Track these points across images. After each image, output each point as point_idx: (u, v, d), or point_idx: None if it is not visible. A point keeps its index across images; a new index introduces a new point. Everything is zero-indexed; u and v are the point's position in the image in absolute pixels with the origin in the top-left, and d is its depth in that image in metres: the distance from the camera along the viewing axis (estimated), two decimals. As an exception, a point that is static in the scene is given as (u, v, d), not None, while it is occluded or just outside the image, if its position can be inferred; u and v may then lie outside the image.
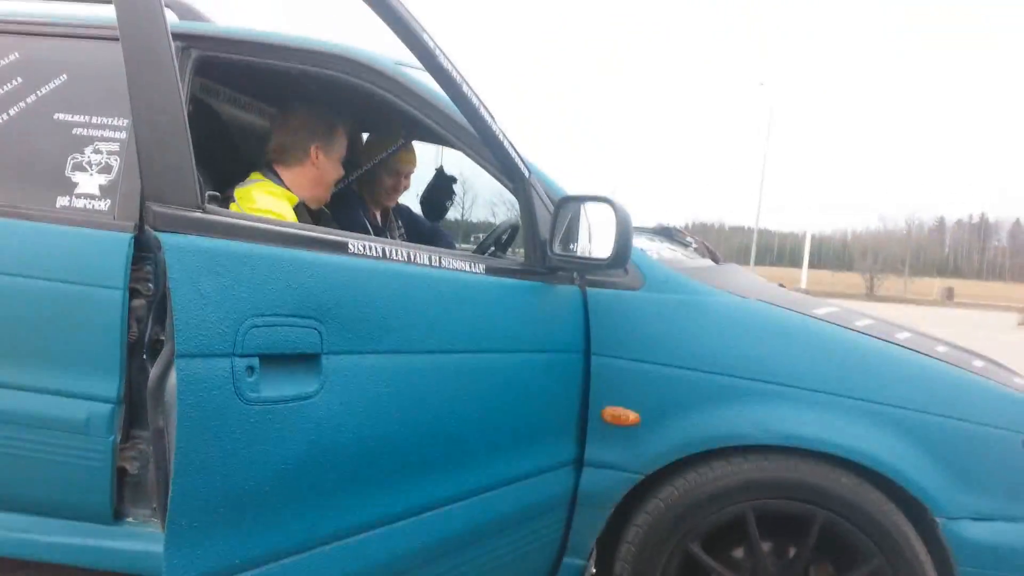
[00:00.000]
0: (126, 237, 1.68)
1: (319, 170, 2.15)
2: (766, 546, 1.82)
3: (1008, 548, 1.70)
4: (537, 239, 1.77)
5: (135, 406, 1.98)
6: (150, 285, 1.87)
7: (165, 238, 1.13)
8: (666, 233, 2.46)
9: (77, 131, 1.78)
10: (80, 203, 1.76)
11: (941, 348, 2.12)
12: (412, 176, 2.90)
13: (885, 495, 1.73)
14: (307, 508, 1.31)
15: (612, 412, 1.86)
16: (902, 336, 2.07)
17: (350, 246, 1.41)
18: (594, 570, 1.84)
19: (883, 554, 1.71)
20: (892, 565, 1.71)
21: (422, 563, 1.55)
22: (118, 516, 2.09)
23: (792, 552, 1.83)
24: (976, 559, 1.70)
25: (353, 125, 2.21)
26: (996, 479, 1.74)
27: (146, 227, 1.58)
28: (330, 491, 1.34)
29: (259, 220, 1.33)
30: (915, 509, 1.73)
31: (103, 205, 1.76)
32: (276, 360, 1.25)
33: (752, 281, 2.38)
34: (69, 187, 1.78)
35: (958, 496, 1.72)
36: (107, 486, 1.97)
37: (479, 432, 1.65)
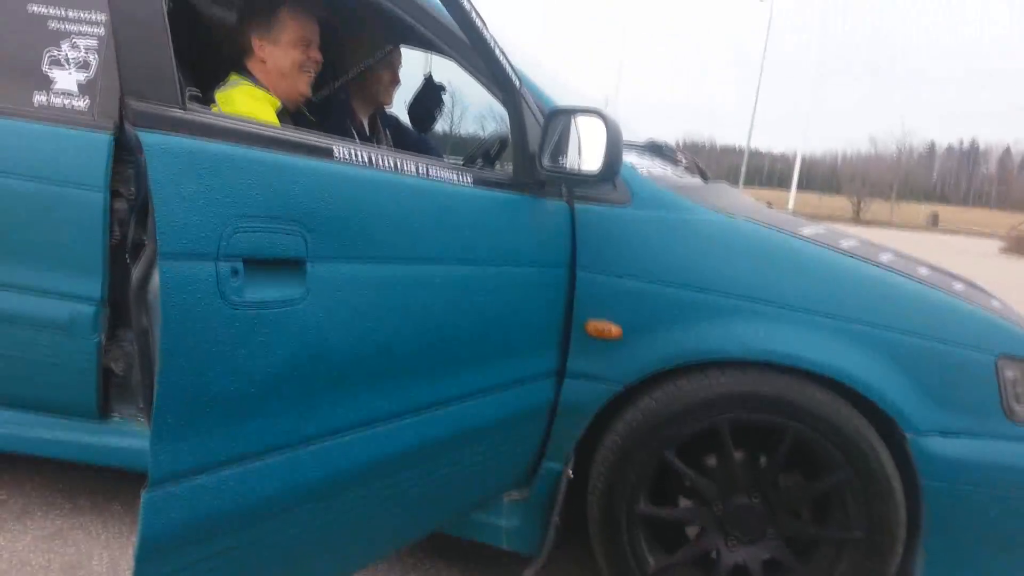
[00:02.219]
0: (106, 137, 1.65)
1: (272, 62, 2.07)
2: (738, 455, 1.88)
3: (971, 463, 1.76)
4: (526, 152, 1.75)
5: (119, 307, 1.99)
6: (132, 187, 1.85)
7: (145, 136, 1.11)
8: (656, 149, 2.43)
9: (53, 25, 1.72)
10: (58, 101, 1.72)
11: (923, 270, 2.15)
12: (399, 88, 2.83)
13: (857, 411, 1.78)
14: (293, 409, 1.33)
15: (595, 326, 1.89)
16: (885, 257, 2.09)
17: (336, 152, 1.39)
18: (571, 473, 1.91)
19: (851, 466, 1.78)
20: (859, 476, 1.78)
21: (405, 464, 1.59)
22: (105, 414, 2.13)
23: (763, 462, 1.90)
24: (941, 473, 1.76)
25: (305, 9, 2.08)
26: (966, 398, 1.79)
27: (126, 126, 1.55)
28: (315, 394, 1.37)
29: (243, 121, 1.31)
30: (886, 424, 1.78)
31: (82, 104, 1.72)
32: (261, 264, 1.25)
33: (739, 199, 2.38)
34: (46, 83, 1.73)
35: (928, 413, 1.77)
36: (93, 385, 2.00)
37: (463, 342, 1.67)
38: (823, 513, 1.90)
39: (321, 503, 1.43)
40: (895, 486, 1.77)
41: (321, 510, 1.44)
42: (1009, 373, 1.79)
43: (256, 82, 2.07)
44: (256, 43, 2.05)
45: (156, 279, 1.20)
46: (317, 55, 2.14)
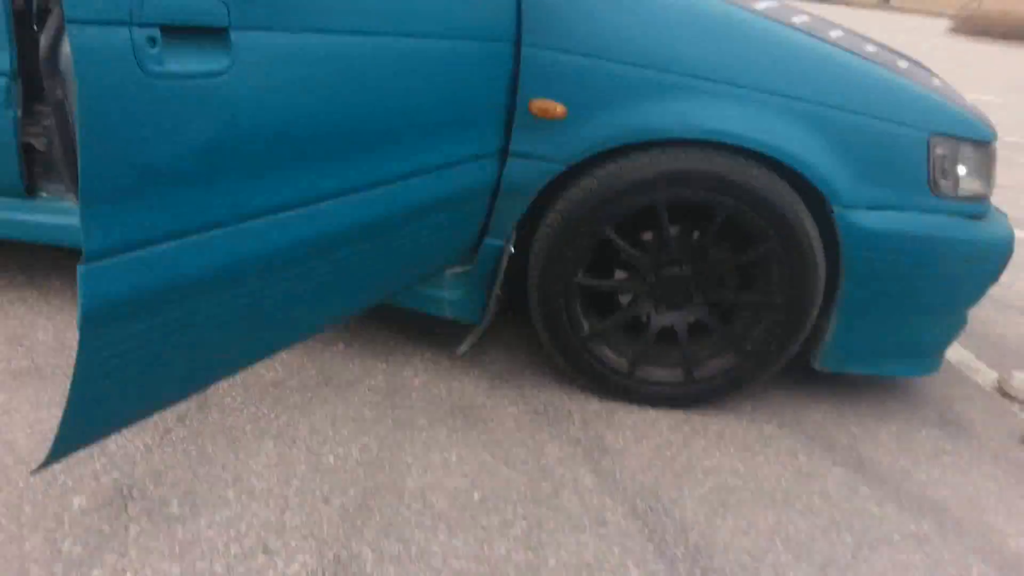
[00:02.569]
0: None
1: None
2: (673, 231, 1.96)
3: (893, 233, 1.86)
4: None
5: (33, 80, 1.87)
6: None
7: None
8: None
9: None
10: None
11: (870, 47, 2.12)
12: None
13: (790, 186, 1.85)
14: (228, 185, 1.32)
15: (540, 105, 1.85)
16: (834, 34, 2.06)
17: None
18: (513, 249, 1.97)
19: (779, 238, 1.87)
20: (785, 246, 1.88)
21: (348, 241, 1.62)
22: (31, 192, 2.08)
23: (696, 236, 1.99)
24: (863, 243, 1.86)
25: None
26: (895, 173, 1.85)
27: None
28: (250, 171, 1.35)
29: None
30: (816, 199, 1.86)
31: None
32: (181, 32, 1.18)
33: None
34: None
35: (857, 187, 1.84)
36: (15, 161, 1.93)
37: (403, 118, 1.64)
38: (747, 281, 2.02)
39: (264, 278, 1.46)
40: (818, 255, 1.88)
41: (265, 284, 1.48)
42: (939, 150, 1.85)
43: None
44: None
45: (67, 48, 1.13)
46: None
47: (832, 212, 1.83)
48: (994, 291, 2.25)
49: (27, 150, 2.00)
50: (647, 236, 2.02)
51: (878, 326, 1.96)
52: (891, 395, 2.21)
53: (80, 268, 1.11)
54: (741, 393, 2.06)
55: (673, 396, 2.03)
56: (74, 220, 2.07)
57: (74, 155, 1.23)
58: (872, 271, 1.87)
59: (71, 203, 2.12)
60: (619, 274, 2.10)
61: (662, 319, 2.02)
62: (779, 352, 1.95)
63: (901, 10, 32.09)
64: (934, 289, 1.92)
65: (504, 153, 1.90)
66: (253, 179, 1.35)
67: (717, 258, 1.98)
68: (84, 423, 1.24)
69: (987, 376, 2.40)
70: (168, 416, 1.81)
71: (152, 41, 1.09)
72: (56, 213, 2.12)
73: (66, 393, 1.85)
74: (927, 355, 2.06)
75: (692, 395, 2.02)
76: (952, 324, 2.02)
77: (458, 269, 2.05)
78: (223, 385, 1.96)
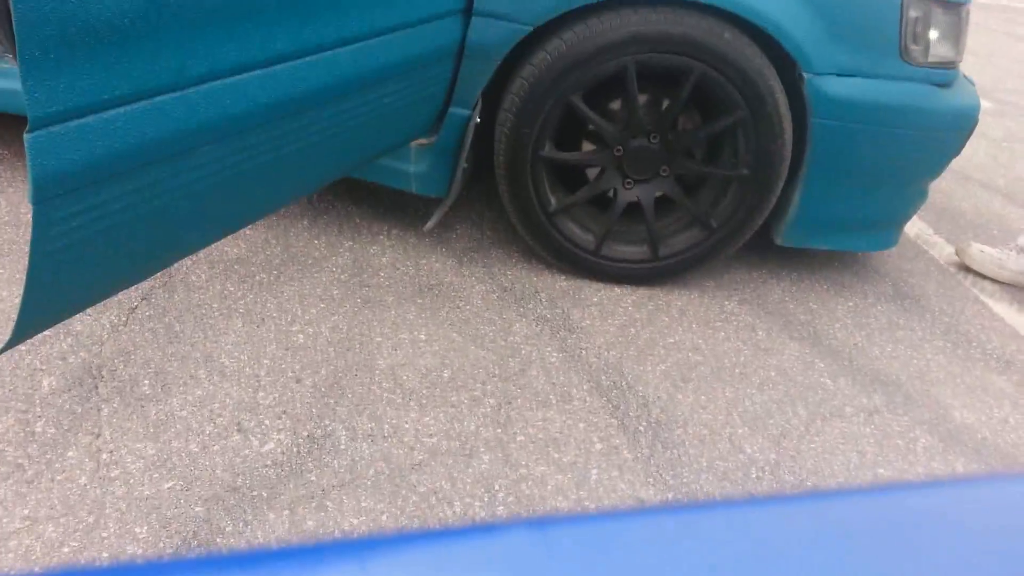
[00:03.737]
0: None
1: None
2: (642, 99, 1.91)
3: (861, 102, 1.84)
4: None
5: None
6: None
7: None
8: None
9: None
10: None
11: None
12: None
13: (761, 51, 1.80)
14: (176, 44, 1.23)
15: (505, -43, 1.75)
16: None
17: None
18: (479, 119, 1.91)
19: (747, 106, 1.83)
20: (754, 116, 1.85)
21: (306, 108, 1.55)
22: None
23: (665, 104, 1.94)
24: (831, 111, 1.84)
25: None
26: (867, 37, 1.80)
27: None
28: (199, 28, 1.26)
29: None
30: (786, 65, 1.81)
31: None
32: None
33: None
34: None
35: (828, 53, 1.80)
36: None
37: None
38: (714, 153, 2.01)
39: (223, 145, 1.40)
40: (786, 126, 1.86)
41: (224, 152, 1.42)
42: (913, 12, 1.80)
43: None
44: None
45: None
46: None
47: (802, 79, 1.79)
48: (954, 163, 2.26)
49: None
50: (615, 106, 1.97)
51: (841, 199, 1.97)
52: (849, 270, 2.27)
53: (27, 136, 1.05)
54: (704, 269, 2.09)
55: (639, 273, 2.06)
56: (17, 84, 1.94)
57: (7, 10, 1.13)
58: (838, 142, 1.86)
59: (12, 64, 1.99)
60: (587, 147, 2.07)
61: (629, 194, 2.01)
62: (744, 226, 1.97)
63: None
64: (898, 161, 1.92)
65: (468, 12, 1.81)
66: (200, 37, 1.26)
67: (685, 129, 1.95)
68: (45, 302, 1.22)
69: (943, 250, 2.46)
70: (132, 294, 1.79)
71: None
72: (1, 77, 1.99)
73: (25, 270, 1.82)
74: (887, 229, 2.09)
75: (658, 271, 2.05)
76: (913, 197, 2.05)
77: (423, 141, 1.99)
78: (186, 262, 1.93)
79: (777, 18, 1.74)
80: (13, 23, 1.00)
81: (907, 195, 2.04)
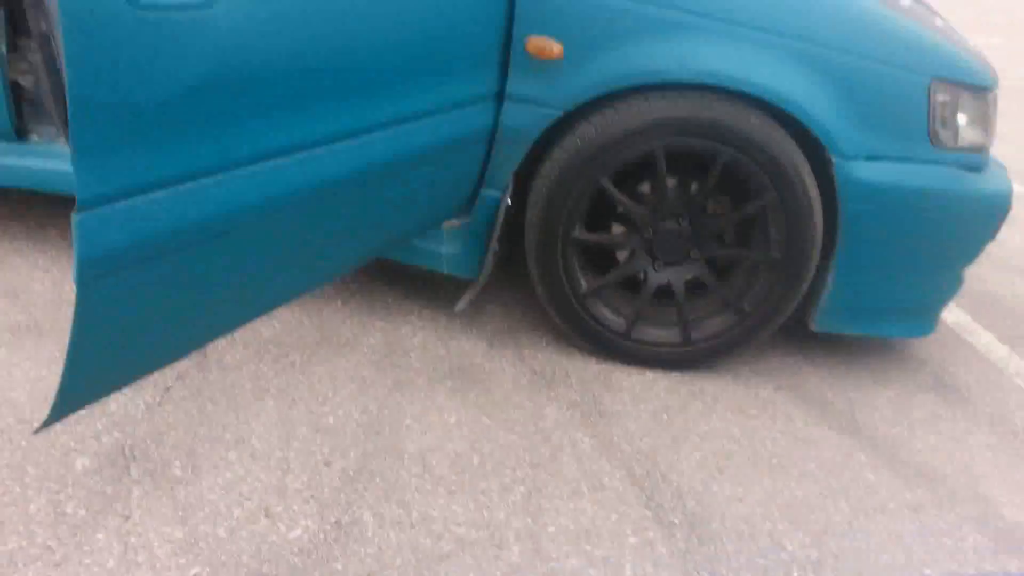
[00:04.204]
0: None
1: None
2: (671, 182, 1.93)
3: (892, 186, 1.83)
4: None
5: (16, 14, 1.80)
6: None
7: None
8: None
9: None
10: None
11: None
12: None
13: (788, 135, 1.81)
14: (219, 129, 1.28)
15: (536, 43, 1.80)
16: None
17: None
18: (510, 201, 1.94)
19: (776, 190, 1.84)
20: (784, 200, 1.85)
21: (341, 190, 1.58)
22: (21, 135, 2.03)
23: (694, 188, 1.96)
24: (862, 196, 1.83)
25: None
26: (895, 121, 1.81)
27: None
28: (242, 113, 1.31)
29: None
30: (815, 149, 1.83)
31: None
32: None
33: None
34: None
35: (856, 137, 1.80)
36: (2, 101, 1.87)
37: (398, 59, 1.58)
38: (744, 237, 2.00)
39: (261, 227, 1.43)
40: (816, 209, 1.86)
41: (262, 233, 1.45)
42: (940, 96, 1.81)
43: None
44: None
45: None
46: None
47: (831, 163, 1.80)
48: (990, 248, 2.23)
49: (15, 89, 1.93)
50: (645, 189, 1.99)
51: (875, 285, 1.95)
52: (888, 359, 2.22)
53: (74, 217, 1.08)
54: (738, 355, 2.07)
55: (671, 357, 2.03)
56: (66, 165, 2.02)
57: (62, 94, 1.18)
58: (869, 226, 1.85)
59: (63, 146, 2.07)
60: (617, 229, 2.08)
61: (659, 276, 2.01)
62: (777, 311, 1.95)
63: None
64: (931, 246, 1.90)
65: (500, 97, 1.86)
66: (243, 122, 1.31)
67: (715, 212, 1.96)
68: (84, 381, 1.23)
69: (982, 338, 2.41)
70: (168, 374, 1.81)
71: (134, -31, 1.04)
72: (49, 157, 2.07)
73: (65, 349, 1.85)
74: (923, 315, 2.05)
75: (690, 355, 2.03)
76: (949, 283, 2.01)
77: (455, 222, 2.02)
78: (221, 342, 1.95)
79: (803, 102, 1.76)
80: (68, 108, 1.05)
81: (941, 281, 2.01)
